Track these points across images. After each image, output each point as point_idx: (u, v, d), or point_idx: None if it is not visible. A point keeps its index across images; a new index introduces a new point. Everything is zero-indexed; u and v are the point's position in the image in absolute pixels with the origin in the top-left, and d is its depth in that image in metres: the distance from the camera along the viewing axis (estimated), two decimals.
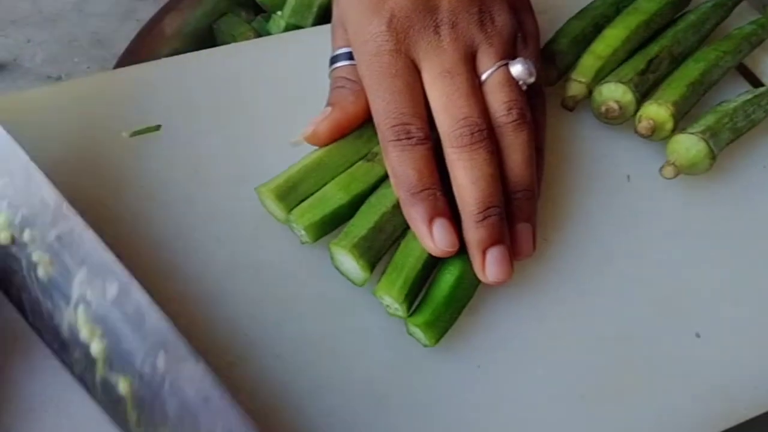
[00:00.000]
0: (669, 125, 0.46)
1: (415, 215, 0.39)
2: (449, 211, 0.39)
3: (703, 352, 0.41)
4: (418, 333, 0.39)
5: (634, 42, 0.50)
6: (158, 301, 0.33)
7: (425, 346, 0.39)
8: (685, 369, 0.41)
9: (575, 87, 0.48)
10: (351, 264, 0.39)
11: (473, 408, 0.39)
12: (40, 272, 0.34)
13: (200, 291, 0.41)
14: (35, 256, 0.34)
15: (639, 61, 0.49)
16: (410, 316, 0.39)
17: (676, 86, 0.48)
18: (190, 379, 0.31)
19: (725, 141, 0.46)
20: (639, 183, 0.47)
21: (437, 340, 0.39)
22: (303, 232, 0.41)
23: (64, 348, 0.35)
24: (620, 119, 0.47)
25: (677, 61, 0.50)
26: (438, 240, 0.38)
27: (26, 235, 0.35)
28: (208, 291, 0.41)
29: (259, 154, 0.45)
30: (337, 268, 0.40)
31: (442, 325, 0.39)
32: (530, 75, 0.42)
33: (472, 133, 0.39)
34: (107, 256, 0.33)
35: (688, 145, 0.45)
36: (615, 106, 0.47)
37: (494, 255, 0.39)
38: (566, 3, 0.53)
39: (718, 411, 0.40)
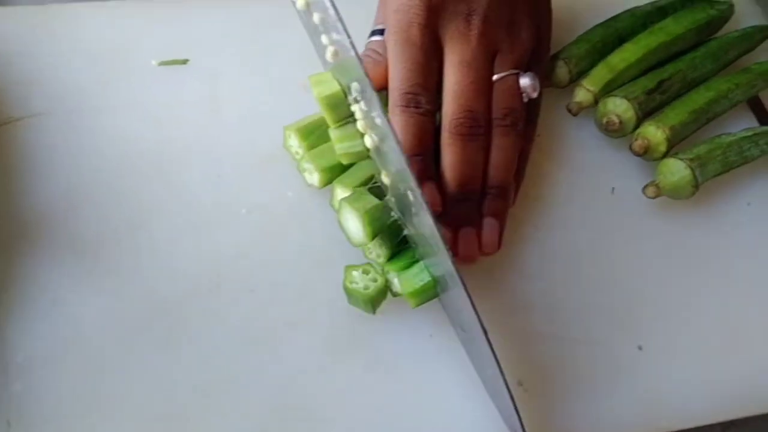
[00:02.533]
0: (662, 148, 0.48)
1: None
2: (436, 177, 0.43)
3: (644, 363, 0.44)
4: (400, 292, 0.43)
5: (650, 60, 0.51)
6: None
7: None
8: (626, 376, 0.44)
9: (583, 94, 0.50)
10: (356, 224, 0.42)
11: (423, 365, 0.42)
12: (328, 57, 0.42)
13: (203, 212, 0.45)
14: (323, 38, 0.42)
15: (650, 80, 0.50)
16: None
17: (679, 111, 0.49)
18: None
19: (713, 172, 0.48)
20: (622, 197, 0.49)
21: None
22: (316, 174, 0.44)
23: None
24: (619, 133, 0.49)
25: (689, 85, 0.52)
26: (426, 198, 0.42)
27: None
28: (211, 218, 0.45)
29: (276, 95, 0.48)
30: (340, 222, 0.43)
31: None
32: (534, 90, 0.45)
33: (471, 126, 0.43)
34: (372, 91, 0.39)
35: (675, 169, 0.47)
36: (616, 120, 0.48)
37: (465, 234, 0.43)
38: (593, 10, 0.54)
39: (652, 419, 0.43)
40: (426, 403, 0.41)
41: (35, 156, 0.46)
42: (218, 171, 0.46)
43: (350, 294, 0.43)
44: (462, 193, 0.43)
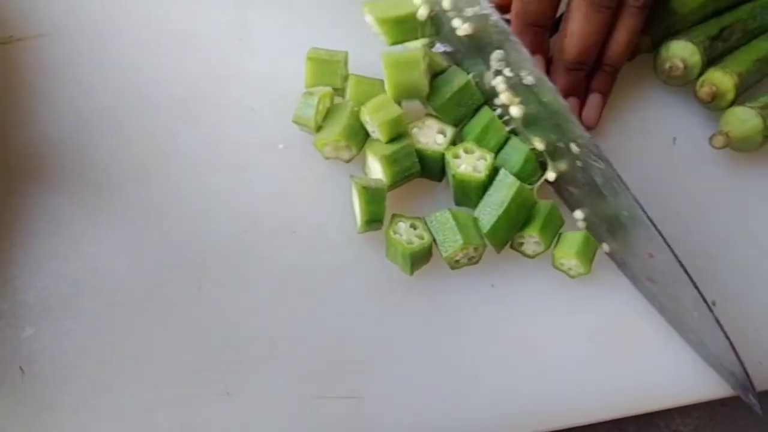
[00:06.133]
0: (730, 95, 0.45)
1: None
2: (547, 51, 0.43)
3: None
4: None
5: (710, 7, 0.48)
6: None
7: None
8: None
9: (640, 38, 0.46)
10: None
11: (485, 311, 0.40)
12: (460, 33, 0.41)
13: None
14: (455, 22, 0.41)
15: (712, 27, 0.47)
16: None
17: (743, 59, 0.46)
18: (599, 170, 0.39)
19: None
20: (684, 147, 0.46)
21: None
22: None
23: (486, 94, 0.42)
24: (681, 80, 0.46)
25: (749, 35, 0.49)
26: None
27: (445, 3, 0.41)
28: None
29: (310, 25, 0.44)
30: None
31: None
32: None
33: None
34: (521, 49, 0.39)
35: (744, 117, 0.44)
36: (680, 64, 0.45)
37: (569, 103, 0.42)
38: None
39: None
40: (489, 353, 0.37)
41: (39, 80, 0.41)
42: (251, 104, 0.42)
43: (390, 245, 0.39)
44: (577, 62, 0.43)
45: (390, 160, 0.39)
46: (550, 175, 0.41)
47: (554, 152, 0.41)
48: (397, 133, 0.39)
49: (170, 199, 0.38)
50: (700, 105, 0.46)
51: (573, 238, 0.40)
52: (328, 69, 0.41)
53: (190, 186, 0.39)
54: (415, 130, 0.40)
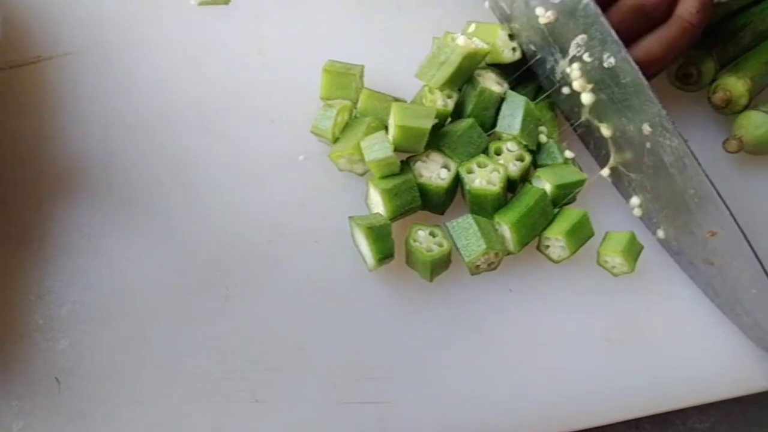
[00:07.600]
0: (744, 100, 0.45)
1: None
2: None
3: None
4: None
5: (719, 11, 0.49)
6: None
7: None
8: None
9: None
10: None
11: (504, 315, 0.40)
12: (542, 21, 0.41)
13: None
14: (538, 10, 0.41)
15: (724, 31, 0.47)
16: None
17: (754, 62, 0.47)
18: (670, 148, 0.40)
19: None
20: (697, 149, 0.45)
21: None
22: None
23: (554, 86, 0.43)
24: (695, 86, 0.46)
25: (759, 38, 0.49)
26: None
27: None
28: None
29: (323, 37, 0.45)
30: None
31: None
32: None
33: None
34: (610, 31, 0.40)
35: (758, 122, 0.45)
36: (693, 71, 0.46)
37: None
38: None
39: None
40: (509, 357, 0.38)
41: (66, 98, 0.42)
42: (271, 116, 0.43)
43: (410, 253, 0.40)
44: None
45: (390, 194, 0.39)
46: (605, 171, 0.42)
47: (620, 139, 0.41)
48: (388, 173, 0.39)
49: (195, 212, 0.39)
50: (714, 109, 0.46)
51: (619, 237, 0.41)
52: (344, 82, 0.41)
53: (214, 198, 0.40)
54: (418, 164, 0.40)
